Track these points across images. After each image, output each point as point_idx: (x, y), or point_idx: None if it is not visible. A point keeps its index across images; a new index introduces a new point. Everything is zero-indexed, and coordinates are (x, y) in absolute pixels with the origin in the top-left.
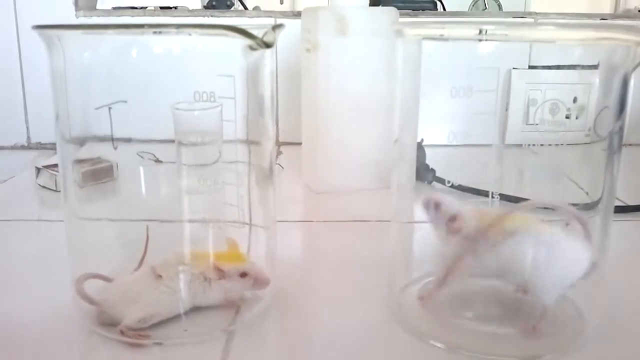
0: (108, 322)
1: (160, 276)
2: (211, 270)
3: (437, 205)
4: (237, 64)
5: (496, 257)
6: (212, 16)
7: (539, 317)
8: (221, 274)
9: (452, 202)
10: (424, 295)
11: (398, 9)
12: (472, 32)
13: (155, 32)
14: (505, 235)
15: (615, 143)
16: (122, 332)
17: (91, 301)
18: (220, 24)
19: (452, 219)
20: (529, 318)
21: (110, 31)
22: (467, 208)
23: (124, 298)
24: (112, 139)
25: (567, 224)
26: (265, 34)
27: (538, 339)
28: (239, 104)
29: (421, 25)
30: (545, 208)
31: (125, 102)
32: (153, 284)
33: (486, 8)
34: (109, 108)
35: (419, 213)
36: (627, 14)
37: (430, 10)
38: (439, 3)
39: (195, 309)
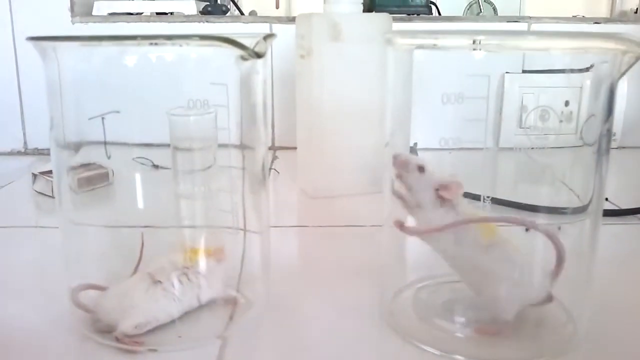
0: (104, 329)
1: (160, 282)
2: (213, 254)
3: (420, 169)
4: (230, 73)
5: (470, 261)
6: (207, 22)
7: (498, 326)
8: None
9: (434, 168)
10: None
11: (392, 14)
12: (466, 42)
13: (152, 44)
14: (488, 242)
15: (604, 146)
16: (117, 339)
17: (87, 310)
18: (212, 35)
19: (444, 187)
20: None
21: (104, 43)
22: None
23: (120, 305)
24: (105, 149)
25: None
26: (257, 44)
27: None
28: (232, 111)
29: (413, 35)
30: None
31: (118, 112)
32: (150, 290)
33: (481, 11)
34: (102, 118)
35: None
36: (623, 16)
37: (426, 14)
38: (434, 7)
39: (189, 315)
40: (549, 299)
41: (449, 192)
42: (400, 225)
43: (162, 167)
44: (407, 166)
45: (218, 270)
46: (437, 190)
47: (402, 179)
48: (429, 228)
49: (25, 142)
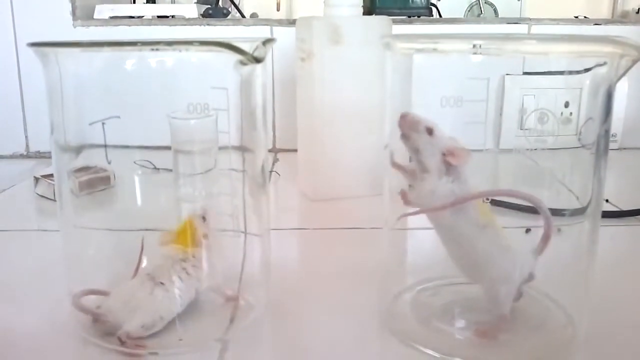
0: (107, 331)
1: (163, 283)
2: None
3: (429, 131)
4: (230, 77)
5: (464, 238)
6: (208, 25)
7: (497, 326)
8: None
9: (443, 132)
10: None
11: (393, 16)
12: (465, 46)
13: (152, 49)
14: (484, 222)
15: (602, 147)
16: (120, 340)
17: (91, 313)
18: (211, 40)
19: (451, 153)
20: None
21: (105, 48)
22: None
23: (125, 308)
24: (105, 154)
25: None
26: (256, 49)
27: (492, 343)
28: (232, 115)
29: (413, 39)
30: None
31: (119, 117)
32: (154, 292)
33: (482, 13)
34: (103, 123)
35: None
36: (625, 16)
37: (426, 16)
38: (434, 9)
39: (190, 318)
40: (531, 277)
41: (456, 158)
42: (404, 196)
43: (163, 169)
44: (416, 127)
45: (211, 257)
46: (444, 155)
47: (410, 140)
48: (430, 207)
49: (27, 145)
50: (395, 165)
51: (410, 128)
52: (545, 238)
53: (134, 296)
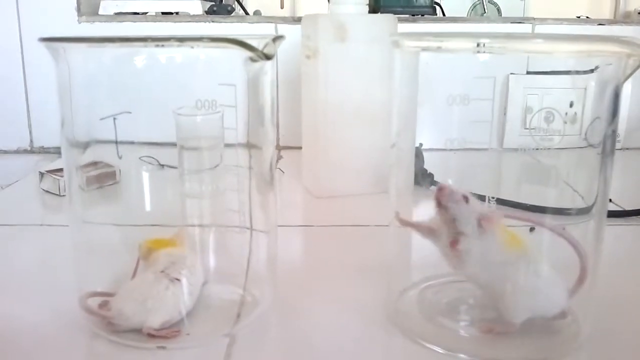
0: (115, 331)
1: (178, 279)
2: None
3: (466, 199)
4: (239, 74)
5: (489, 269)
6: (213, 22)
7: (504, 326)
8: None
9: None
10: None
11: (397, 14)
12: (470, 45)
13: (157, 45)
14: (514, 254)
15: (609, 147)
16: (150, 335)
17: (100, 317)
18: (222, 37)
19: (486, 218)
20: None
21: (115, 44)
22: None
23: (143, 309)
24: (117, 149)
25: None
26: (266, 45)
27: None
28: (240, 112)
29: (419, 38)
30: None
31: (130, 113)
32: (170, 288)
33: (485, 12)
34: (114, 118)
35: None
36: (627, 17)
37: (430, 15)
38: (438, 8)
39: (198, 313)
40: (563, 315)
41: (490, 222)
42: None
43: (168, 166)
44: (453, 197)
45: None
46: (479, 220)
47: (448, 210)
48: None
49: (31, 141)
50: (404, 222)
51: (449, 199)
52: (581, 278)
53: (148, 295)
